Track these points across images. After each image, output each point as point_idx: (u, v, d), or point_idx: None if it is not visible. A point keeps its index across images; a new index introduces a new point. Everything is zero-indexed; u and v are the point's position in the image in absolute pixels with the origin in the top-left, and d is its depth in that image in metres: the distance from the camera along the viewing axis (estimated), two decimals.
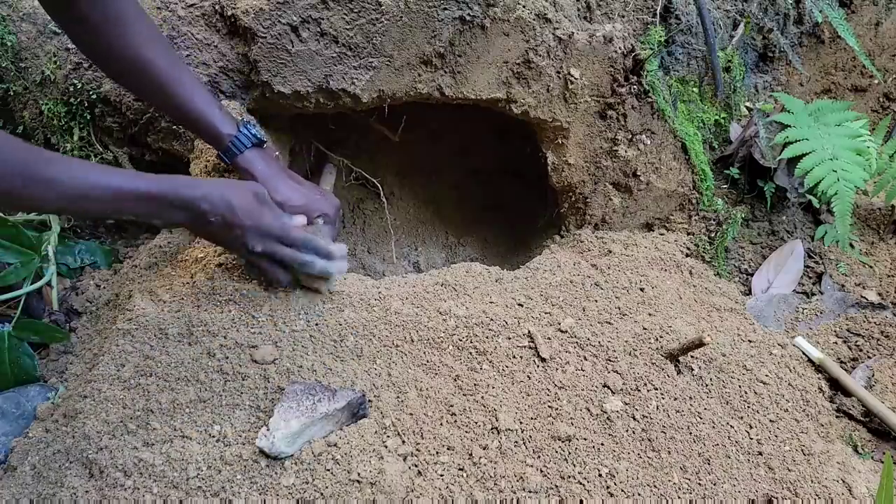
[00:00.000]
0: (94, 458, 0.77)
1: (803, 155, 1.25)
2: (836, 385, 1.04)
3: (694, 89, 1.39)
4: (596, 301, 1.07)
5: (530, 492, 0.77)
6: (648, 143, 1.29)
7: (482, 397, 0.88)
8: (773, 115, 1.35)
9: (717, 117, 1.42)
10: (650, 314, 1.05)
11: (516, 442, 0.83)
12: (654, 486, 0.79)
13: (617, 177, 1.32)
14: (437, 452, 0.79)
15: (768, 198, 1.36)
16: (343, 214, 1.58)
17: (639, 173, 1.31)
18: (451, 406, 0.86)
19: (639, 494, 0.78)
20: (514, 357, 0.94)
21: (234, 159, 1.00)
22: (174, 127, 1.19)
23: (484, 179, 1.66)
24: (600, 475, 0.80)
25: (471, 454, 0.80)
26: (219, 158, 1.01)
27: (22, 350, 1.01)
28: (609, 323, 1.02)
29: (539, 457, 0.81)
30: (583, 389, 0.90)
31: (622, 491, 0.78)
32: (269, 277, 0.98)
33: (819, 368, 1.06)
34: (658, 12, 1.29)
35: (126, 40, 0.92)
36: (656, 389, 0.90)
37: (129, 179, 0.81)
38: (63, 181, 0.76)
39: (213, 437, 0.79)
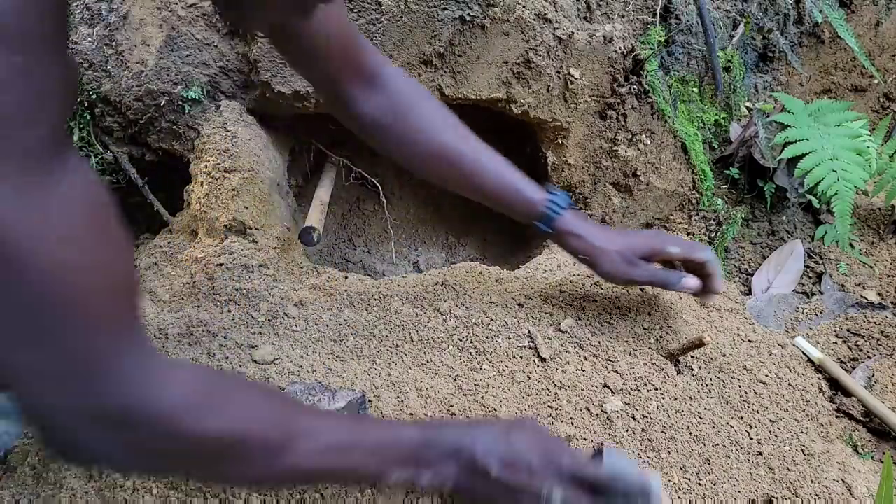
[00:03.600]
0: None
1: (803, 155, 1.25)
2: (836, 385, 1.04)
3: (694, 89, 1.39)
4: (596, 301, 1.07)
5: None
6: (648, 143, 1.29)
7: (482, 397, 0.88)
8: (773, 115, 1.35)
9: (717, 117, 1.42)
10: (650, 314, 1.05)
11: None
12: None
13: (617, 177, 1.32)
14: None
15: (768, 198, 1.36)
16: (343, 215, 1.58)
17: (639, 173, 1.31)
18: (451, 406, 0.86)
19: None
20: (513, 357, 0.94)
21: (553, 223, 0.91)
22: (174, 127, 1.19)
23: None
24: None
25: None
26: (534, 228, 0.92)
27: None
28: (609, 323, 1.02)
29: None
30: (583, 389, 0.90)
31: None
32: None
33: (819, 368, 1.06)
34: (658, 12, 1.29)
35: (417, 126, 0.87)
36: (656, 389, 0.90)
37: (386, 428, 0.68)
38: (321, 430, 0.61)
39: None
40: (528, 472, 0.64)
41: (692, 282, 0.91)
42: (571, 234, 0.91)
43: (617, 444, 0.83)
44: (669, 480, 0.79)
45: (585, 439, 0.83)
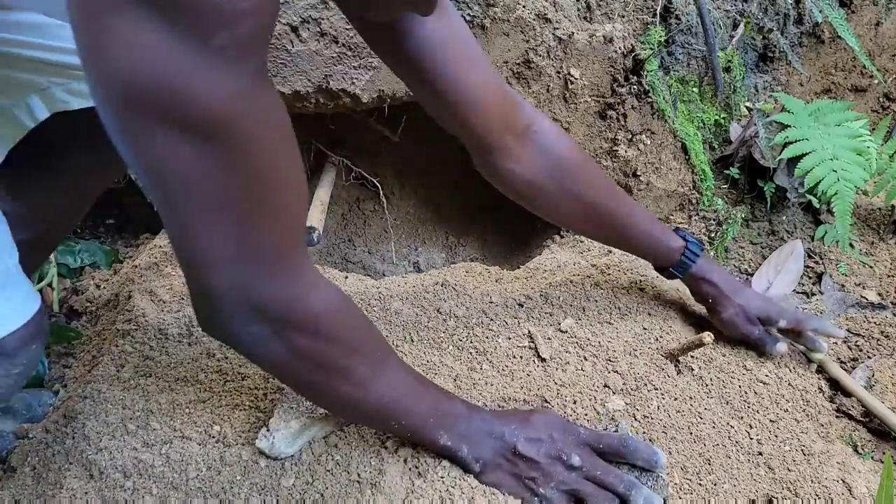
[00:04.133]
0: (94, 458, 0.77)
1: (803, 155, 1.25)
2: (836, 385, 1.04)
3: (694, 89, 1.39)
4: (596, 301, 1.07)
5: None
6: (648, 143, 1.29)
7: (482, 397, 0.88)
8: (773, 115, 1.35)
9: (717, 117, 1.42)
10: (650, 314, 1.05)
11: None
12: None
13: (617, 177, 1.32)
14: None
15: (768, 198, 1.36)
16: (343, 215, 1.58)
17: (639, 173, 1.31)
18: None
19: None
20: (513, 357, 0.94)
21: (689, 270, 0.97)
22: None
23: (484, 179, 1.66)
24: None
25: None
26: (667, 274, 0.99)
27: None
28: (609, 323, 1.02)
29: None
30: (583, 389, 0.90)
31: None
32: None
33: (819, 368, 1.06)
34: (658, 12, 1.29)
35: (576, 191, 0.88)
36: (657, 389, 0.90)
37: (444, 392, 0.74)
38: (405, 370, 0.70)
39: (213, 437, 0.79)
40: (551, 441, 0.71)
41: (782, 347, 0.99)
42: (704, 280, 0.98)
43: None
44: (671, 480, 0.79)
45: None
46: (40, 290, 1.14)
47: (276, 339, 0.59)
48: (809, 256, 1.35)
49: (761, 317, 0.99)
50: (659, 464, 0.74)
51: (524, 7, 1.13)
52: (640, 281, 1.14)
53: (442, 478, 0.75)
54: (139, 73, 0.43)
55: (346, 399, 0.66)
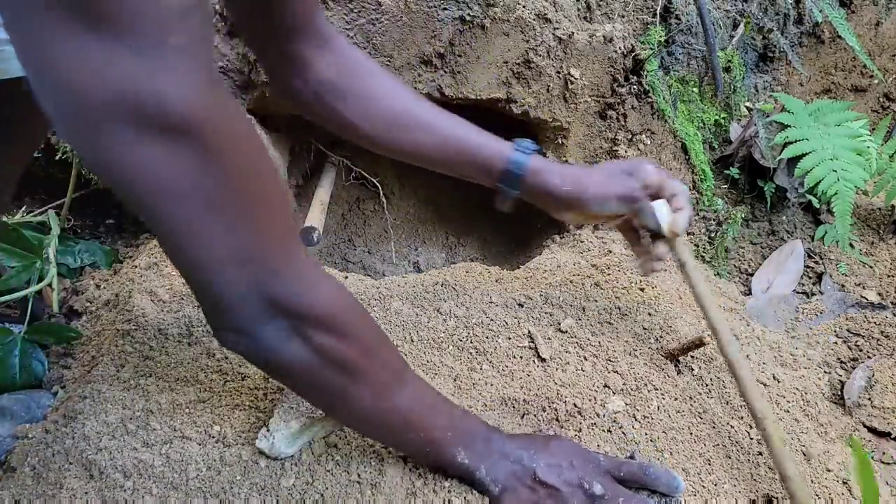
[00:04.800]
0: (94, 459, 0.76)
1: (803, 155, 1.25)
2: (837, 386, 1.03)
3: (694, 89, 1.39)
4: (596, 301, 1.07)
5: None
6: (648, 143, 1.29)
7: (482, 397, 0.88)
8: (773, 115, 1.35)
9: (717, 117, 1.42)
10: (650, 314, 1.05)
11: None
12: None
13: None
14: None
15: (768, 198, 1.36)
16: (343, 215, 1.58)
17: None
18: None
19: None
20: (513, 357, 0.94)
21: (523, 177, 0.81)
22: None
23: None
24: None
25: None
26: (500, 190, 0.83)
27: (34, 355, 0.99)
28: (609, 323, 1.02)
29: None
30: (583, 389, 0.90)
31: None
32: None
33: (818, 367, 1.06)
34: (658, 12, 1.29)
35: (375, 92, 0.81)
36: (657, 389, 0.90)
37: (462, 410, 0.71)
38: (422, 385, 0.68)
39: (213, 437, 0.79)
40: (571, 469, 0.69)
41: (683, 222, 0.83)
42: (545, 171, 0.81)
43: (619, 444, 0.83)
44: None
45: (587, 439, 0.83)
46: (40, 291, 1.14)
47: (297, 339, 0.57)
48: (809, 256, 1.35)
49: (625, 170, 0.84)
50: (679, 489, 0.72)
51: (524, 7, 1.13)
52: (640, 281, 1.14)
53: (442, 480, 0.75)
54: (102, 87, 0.41)
55: (369, 408, 0.64)
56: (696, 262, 0.79)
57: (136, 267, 1.13)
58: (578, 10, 1.24)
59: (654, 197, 0.83)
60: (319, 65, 0.80)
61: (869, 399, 1.00)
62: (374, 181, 1.47)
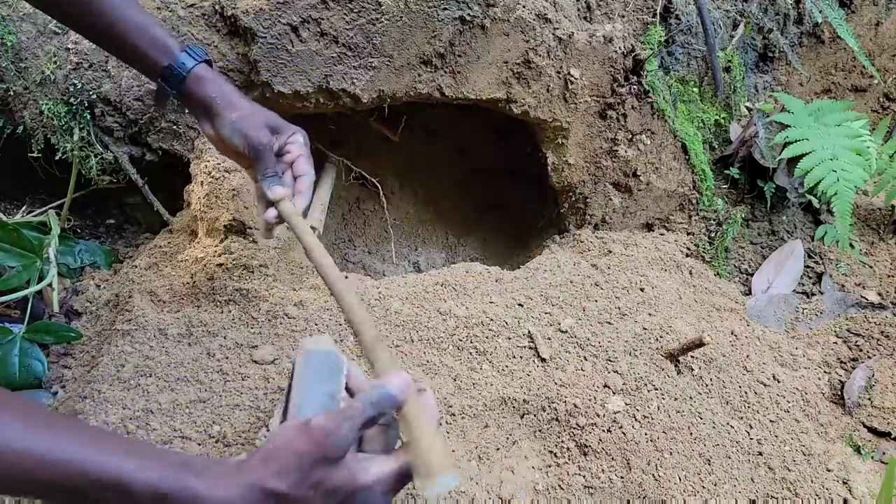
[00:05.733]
0: None
1: (803, 155, 1.25)
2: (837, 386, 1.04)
3: (694, 89, 1.39)
4: (596, 301, 1.07)
5: (535, 492, 0.76)
6: (648, 143, 1.29)
7: (482, 396, 0.88)
8: (773, 115, 1.35)
9: (717, 117, 1.42)
10: (650, 314, 1.05)
11: (516, 442, 0.82)
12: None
13: (617, 177, 1.32)
14: None
15: (768, 198, 1.36)
16: (343, 215, 1.58)
17: (639, 173, 1.31)
18: (451, 406, 0.86)
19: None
20: (513, 357, 0.94)
21: (185, 79, 0.81)
22: (174, 127, 1.19)
23: (484, 179, 1.66)
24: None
25: (471, 454, 0.80)
26: (160, 86, 0.82)
27: (33, 355, 0.99)
28: (609, 323, 1.02)
29: None
30: (583, 389, 0.90)
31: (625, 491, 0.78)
32: None
33: (818, 367, 1.06)
34: (658, 12, 1.29)
35: None
36: (657, 389, 0.90)
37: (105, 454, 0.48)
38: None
39: (213, 437, 0.79)
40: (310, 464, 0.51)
41: (280, 191, 0.81)
42: (206, 80, 0.81)
43: (619, 444, 0.83)
44: (672, 481, 0.79)
45: (587, 439, 0.83)
46: (40, 291, 1.14)
47: None
48: (809, 256, 1.35)
49: (270, 125, 0.83)
50: (391, 395, 0.54)
51: (524, 7, 1.13)
52: (640, 281, 1.14)
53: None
54: None
55: None
56: (304, 222, 0.79)
57: (136, 267, 1.13)
58: (578, 10, 1.24)
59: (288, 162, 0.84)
60: None
61: (869, 399, 1.00)
62: (374, 181, 1.46)
